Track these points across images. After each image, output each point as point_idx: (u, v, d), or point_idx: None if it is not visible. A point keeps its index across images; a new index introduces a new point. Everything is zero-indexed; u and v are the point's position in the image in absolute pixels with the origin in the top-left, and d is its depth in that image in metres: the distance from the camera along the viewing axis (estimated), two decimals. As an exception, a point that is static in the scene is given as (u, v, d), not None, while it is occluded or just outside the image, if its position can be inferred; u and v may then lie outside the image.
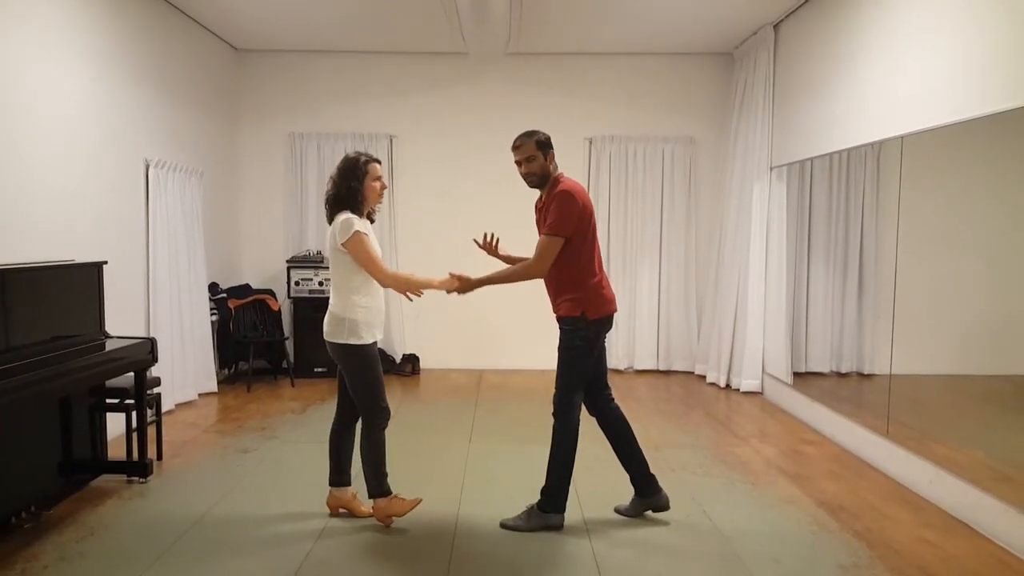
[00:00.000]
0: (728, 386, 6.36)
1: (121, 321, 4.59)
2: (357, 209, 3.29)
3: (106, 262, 3.98)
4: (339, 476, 3.49)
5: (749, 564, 3.02)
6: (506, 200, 7.04)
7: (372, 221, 3.42)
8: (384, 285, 3.31)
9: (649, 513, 3.48)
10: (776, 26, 5.90)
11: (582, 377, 3.35)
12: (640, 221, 6.95)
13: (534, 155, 3.32)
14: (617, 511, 3.51)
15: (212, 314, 6.09)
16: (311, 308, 6.63)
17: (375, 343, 3.35)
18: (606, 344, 3.60)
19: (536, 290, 6.93)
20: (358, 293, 3.26)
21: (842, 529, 3.38)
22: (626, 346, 7.01)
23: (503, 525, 3.36)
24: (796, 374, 5.72)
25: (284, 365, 6.59)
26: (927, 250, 4.40)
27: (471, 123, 7.00)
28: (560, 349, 3.34)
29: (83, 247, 4.33)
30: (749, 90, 6.25)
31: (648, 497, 3.46)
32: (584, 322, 3.26)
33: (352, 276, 3.26)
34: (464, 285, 3.29)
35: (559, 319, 3.36)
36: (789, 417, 5.45)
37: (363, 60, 6.95)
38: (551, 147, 3.37)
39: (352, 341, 3.25)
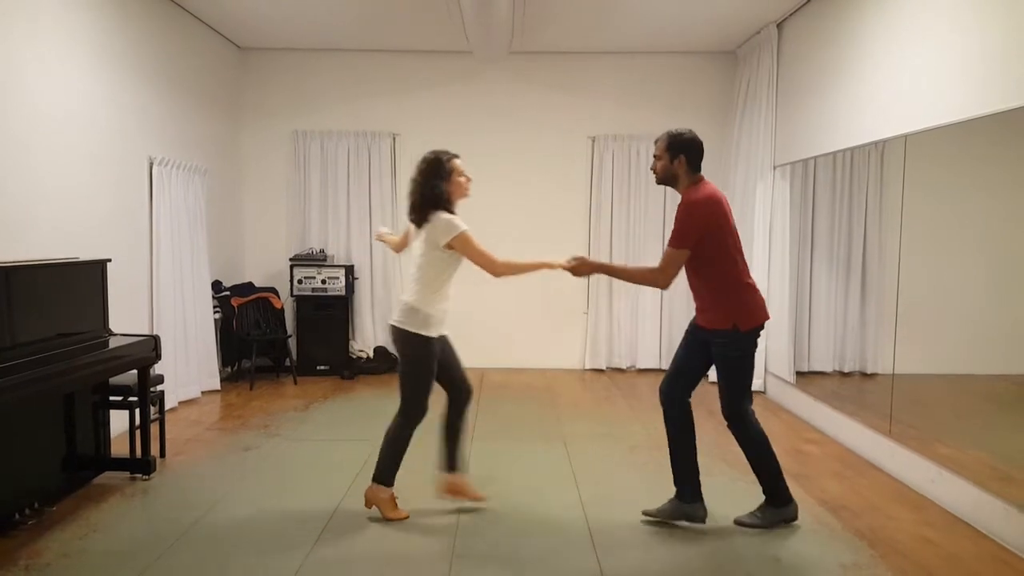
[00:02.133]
0: (730, 385, 6.35)
1: (124, 319, 4.61)
2: (448, 208, 3.33)
3: (110, 260, 3.99)
4: (454, 461, 3.57)
5: (750, 563, 3.02)
6: (509, 198, 7.07)
7: None
8: (498, 274, 3.35)
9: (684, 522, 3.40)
10: (779, 25, 5.89)
11: (745, 385, 3.35)
12: (643, 220, 6.94)
13: (661, 155, 3.37)
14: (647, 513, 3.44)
15: (215, 312, 6.11)
16: (314, 306, 6.66)
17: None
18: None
19: (539, 291, 6.91)
20: (440, 292, 3.35)
21: (844, 528, 3.37)
22: (628, 345, 7.02)
23: (738, 522, 3.37)
24: (799, 373, 5.72)
25: (287, 363, 6.61)
26: (930, 249, 4.39)
27: (474, 122, 7.00)
28: (717, 361, 3.33)
29: (87, 245, 4.35)
30: (752, 89, 6.24)
31: (685, 503, 3.38)
32: (738, 333, 3.20)
33: (441, 274, 3.34)
34: (582, 267, 3.32)
35: (710, 331, 3.29)
36: (791, 416, 5.45)
37: (366, 58, 6.95)
38: (685, 151, 3.31)
39: (423, 332, 3.30)
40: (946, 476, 3.66)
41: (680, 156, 3.32)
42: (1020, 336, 4.05)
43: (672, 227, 3.24)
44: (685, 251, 3.16)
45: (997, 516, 3.28)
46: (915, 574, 2.94)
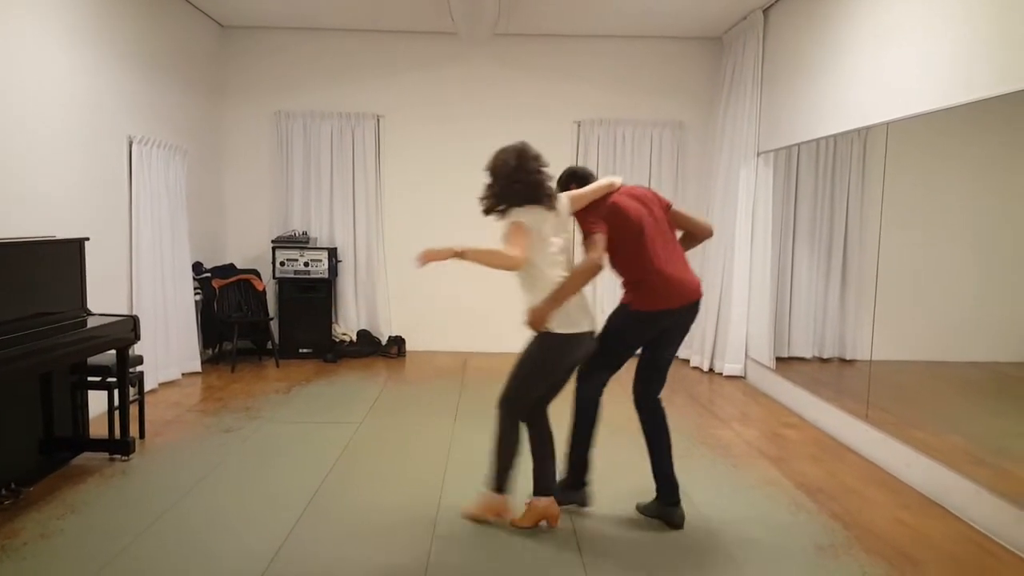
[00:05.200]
0: (711, 370, 6.41)
1: (103, 299, 4.55)
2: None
3: (87, 238, 3.95)
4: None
5: (728, 544, 3.06)
6: (493, 182, 7.05)
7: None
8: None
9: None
10: (766, 11, 5.89)
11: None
12: (627, 205, 6.94)
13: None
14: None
15: (196, 293, 6.05)
16: (296, 289, 6.62)
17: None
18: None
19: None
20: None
21: (820, 510, 3.42)
22: (611, 330, 7.04)
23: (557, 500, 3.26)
24: (779, 359, 5.78)
25: (269, 346, 6.57)
26: (910, 238, 4.44)
27: (459, 104, 6.96)
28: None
29: (65, 223, 4.29)
30: (738, 75, 6.25)
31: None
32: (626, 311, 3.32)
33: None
34: (536, 322, 3.14)
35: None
36: (771, 401, 5.50)
37: (351, 38, 6.88)
38: (576, 180, 3.38)
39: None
40: (921, 460, 3.72)
41: (572, 185, 3.36)
42: (995, 324, 4.12)
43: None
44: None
45: (969, 498, 3.34)
46: (889, 555, 2.99)
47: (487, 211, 3.13)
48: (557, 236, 3.10)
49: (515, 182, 3.04)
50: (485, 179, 3.15)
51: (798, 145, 5.42)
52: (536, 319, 3.10)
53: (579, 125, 6.94)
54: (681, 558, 2.95)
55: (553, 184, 3.17)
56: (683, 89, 6.95)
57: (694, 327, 3.47)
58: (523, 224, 2.98)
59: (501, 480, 3.21)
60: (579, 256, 3.14)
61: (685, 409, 5.22)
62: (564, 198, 3.18)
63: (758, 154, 5.99)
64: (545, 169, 3.10)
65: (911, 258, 4.52)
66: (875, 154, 4.45)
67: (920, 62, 3.87)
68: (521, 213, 3.01)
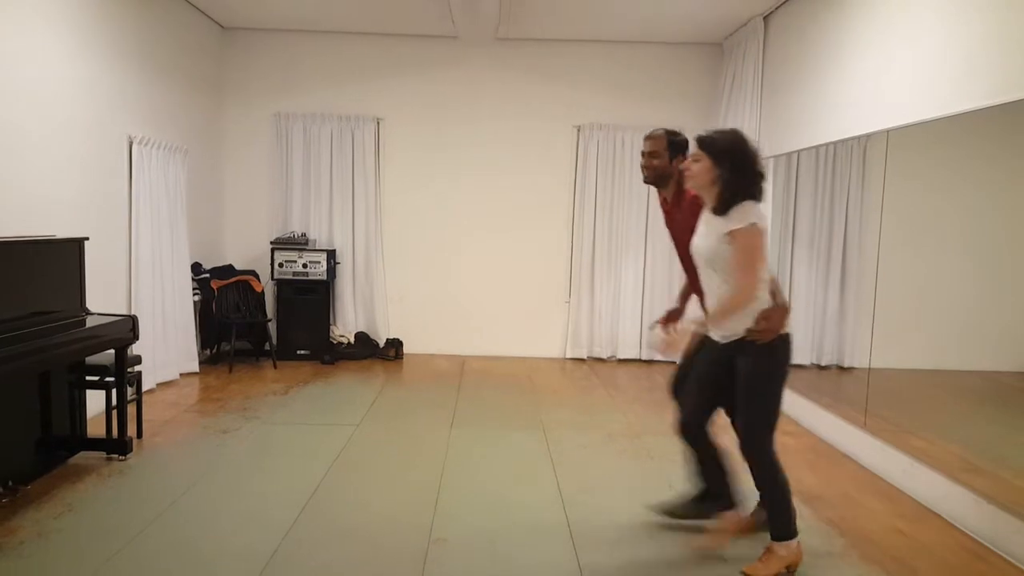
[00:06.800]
0: (709, 376, 6.40)
1: (102, 298, 4.55)
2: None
3: (87, 238, 3.94)
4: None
5: (726, 551, 3.05)
6: (493, 186, 7.06)
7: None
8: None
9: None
10: (766, 18, 5.91)
11: None
12: (626, 210, 6.96)
13: (661, 153, 3.29)
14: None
15: (195, 294, 6.05)
16: (294, 290, 6.62)
17: None
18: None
19: (522, 279, 6.85)
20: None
21: (817, 517, 3.42)
22: (609, 335, 7.05)
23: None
24: (777, 365, 5.77)
25: (267, 347, 6.57)
26: (909, 246, 4.45)
27: (459, 107, 6.97)
28: None
29: (65, 223, 4.29)
30: (738, 81, 6.27)
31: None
32: None
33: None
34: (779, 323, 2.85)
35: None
36: (769, 408, 5.50)
37: (351, 41, 6.89)
38: (683, 152, 3.22)
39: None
40: (918, 468, 3.73)
41: (679, 156, 3.28)
42: (995, 334, 4.12)
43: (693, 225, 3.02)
44: None
45: (967, 507, 3.35)
46: (885, 563, 2.99)
47: (726, 206, 2.70)
48: None
49: (757, 173, 2.66)
50: (721, 160, 2.69)
51: (798, 152, 5.43)
52: (778, 323, 2.80)
53: (579, 130, 6.95)
54: (677, 564, 2.94)
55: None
56: (683, 95, 6.96)
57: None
58: (765, 231, 2.63)
59: (791, 524, 2.88)
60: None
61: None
62: None
63: (758, 161, 5.99)
64: None
65: (911, 266, 4.53)
66: (875, 162, 4.46)
67: (920, 70, 3.88)
68: (758, 213, 2.66)
